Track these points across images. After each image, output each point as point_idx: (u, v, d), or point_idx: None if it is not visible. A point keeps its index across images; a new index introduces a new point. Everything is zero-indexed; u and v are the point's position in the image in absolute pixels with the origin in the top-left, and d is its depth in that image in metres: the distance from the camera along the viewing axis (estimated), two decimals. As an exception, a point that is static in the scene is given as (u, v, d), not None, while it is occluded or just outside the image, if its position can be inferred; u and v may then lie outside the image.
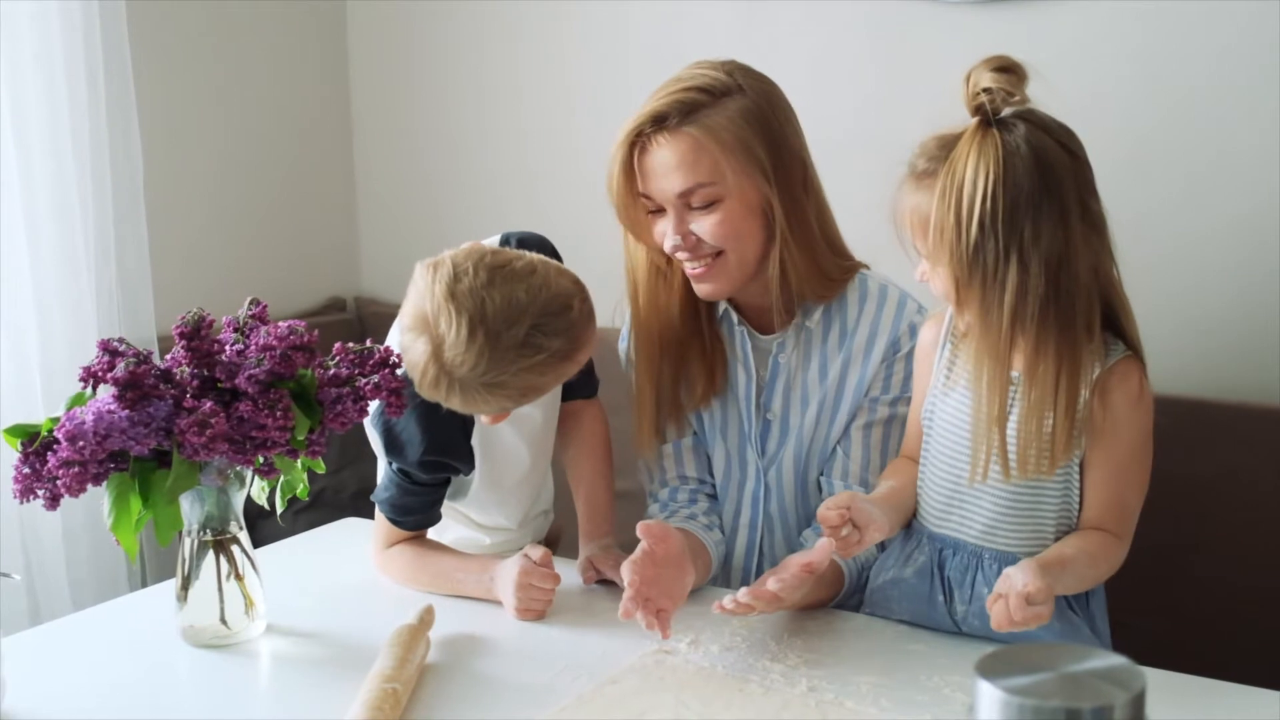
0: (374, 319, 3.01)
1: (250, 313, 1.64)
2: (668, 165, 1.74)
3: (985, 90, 1.50)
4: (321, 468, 1.65)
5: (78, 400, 1.56)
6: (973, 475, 1.60)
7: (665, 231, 1.78)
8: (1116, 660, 0.90)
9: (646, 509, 1.96)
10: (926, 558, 1.69)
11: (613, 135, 1.79)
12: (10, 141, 2.32)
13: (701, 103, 1.73)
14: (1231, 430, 2.12)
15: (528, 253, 1.68)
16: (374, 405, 1.69)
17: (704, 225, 1.76)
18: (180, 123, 2.78)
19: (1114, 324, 1.60)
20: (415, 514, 1.85)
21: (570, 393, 1.93)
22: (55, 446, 1.50)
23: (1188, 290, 2.25)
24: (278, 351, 1.55)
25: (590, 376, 1.94)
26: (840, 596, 1.78)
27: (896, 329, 1.84)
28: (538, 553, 1.75)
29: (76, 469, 1.50)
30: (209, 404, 1.51)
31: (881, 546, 1.78)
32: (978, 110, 1.52)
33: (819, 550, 1.59)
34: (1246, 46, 2.15)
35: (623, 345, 1.97)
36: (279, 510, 1.70)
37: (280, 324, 1.58)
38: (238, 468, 1.63)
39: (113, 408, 1.50)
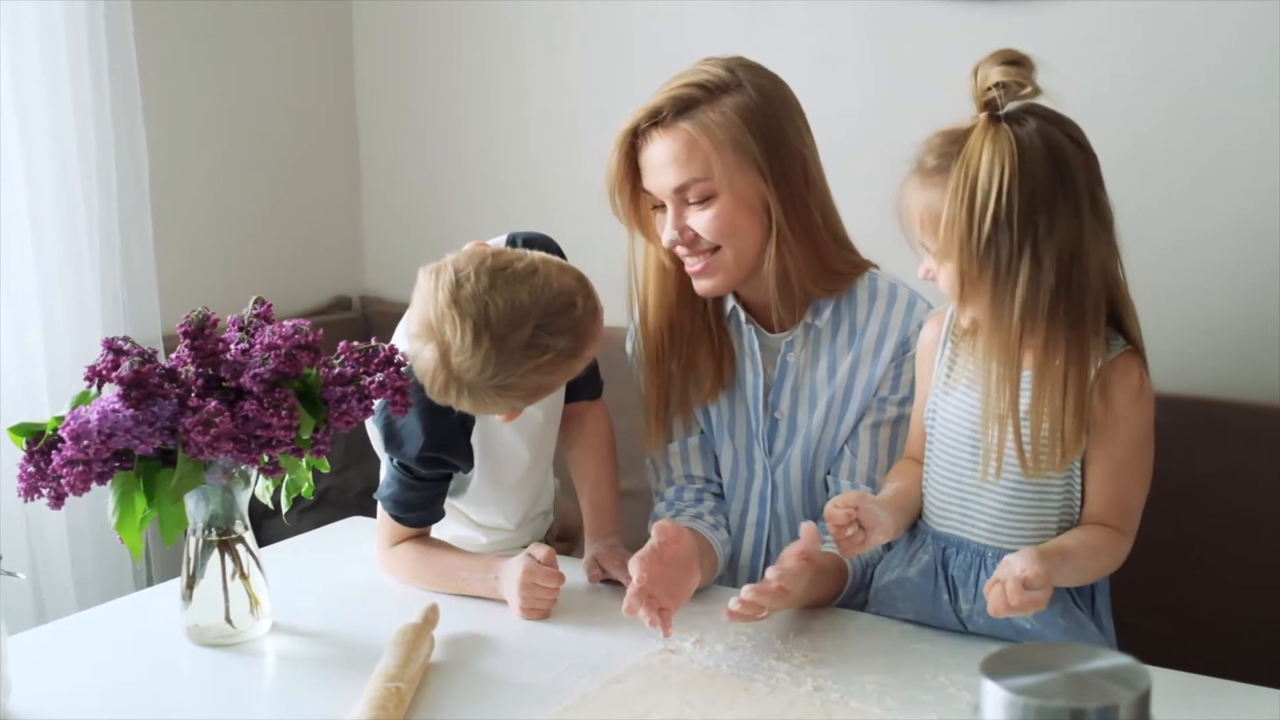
0: (379, 318, 3.01)
1: (255, 312, 1.64)
2: (663, 160, 1.76)
3: (997, 85, 1.50)
4: (326, 467, 1.66)
5: (82, 399, 1.57)
6: (984, 473, 1.60)
7: (665, 227, 1.79)
8: (1122, 660, 0.90)
9: (653, 508, 1.96)
10: (930, 557, 1.69)
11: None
12: (16, 140, 2.33)
13: (697, 98, 1.74)
14: (1233, 429, 2.12)
15: (530, 252, 1.68)
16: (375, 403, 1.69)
17: (700, 220, 1.76)
18: (186, 122, 2.78)
19: (1116, 319, 1.60)
20: (417, 510, 1.85)
21: (574, 394, 1.93)
22: (60, 445, 1.50)
23: (1189, 289, 2.25)
24: (282, 350, 1.55)
25: (594, 378, 1.94)
26: (844, 594, 1.78)
27: (906, 328, 1.84)
28: (542, 552, 1.75)
29: (81, 468, 1.50)
30: (214, 403, 1.51)
31: (887, 546, 1.78)
32: (987, 105, 1.52)
33: (805, 537, 1.60)
34: (1247, 46, 2.15)
35: (629, 344, 1.97)
36: (284, 509, 1.70)
37: (285, 323, 1.58)
38: (242, 467, 1.63)
39: (117, 407, 1.50)
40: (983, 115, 1.53)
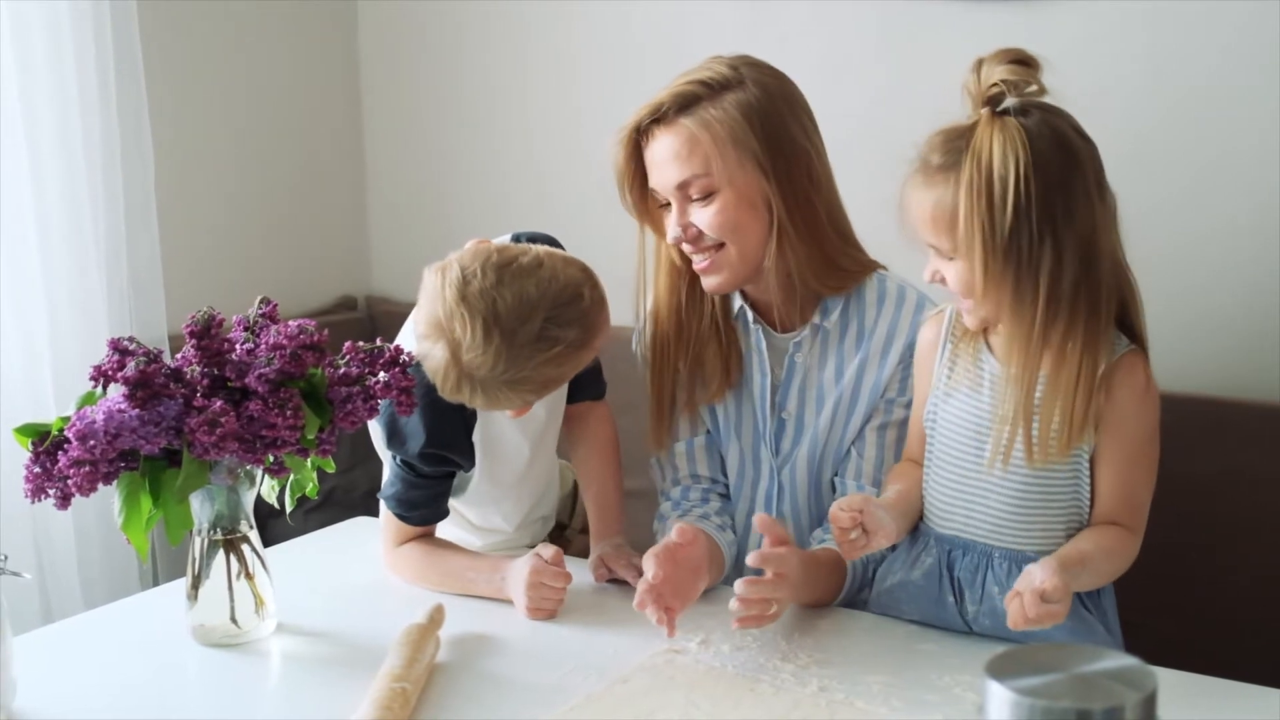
0: (385, 318, 3.01)
1: (261, 312, 1.64)
2: (665, 156, 1.77)
3: (1002, 82, 1.50)
4: (332, 467, 1.66)
5: (88, 399, 1.57)
6: (992, 461, 1.60)
7: (670, 223, 1.80)
8: (1127, 660, 0.90)
9: (658, 507, 1.96)
10: (934, 560, 1.69)
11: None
12: (22, 140, 2.33)
13: (699, 95, 1.75)
14: (1237, 427, 2.11)
15: (533, 246, 1.70)
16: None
17: (703, 217, 1.77)
18: (192, 122, 2.78)
19: (1121, 312, 1.60)
20: (420, 508, 1.85)
21: (578, 394, 1.93)
22: (66, 446, 1.50)
23: (1192, 288, 2.25)
24: (288, 350, 1.55)
25: (597, 378, 1.95)
26: (846, 591, 1.78)
27: (914, 330, 1.83)
28: (549, 551, 1.76)
29: (87, 468, 1.50)
30: (219, 403, 1.51)
31: (889, 548, 1.78)
32: (989, 101, 1.52)
33: (767, 533, 1.62)
34: (1247, 46, 2.15)
35: (635, 342, 1.97)
36: (289, 509, 1.70)
37: (290, 323, 1.58)
38: (248, 467, 1.63)
39: (123, 407, 1.50)
40: (984, 110, 1.52)
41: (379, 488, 1.90)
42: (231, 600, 1.67)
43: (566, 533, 2.11)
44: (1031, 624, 1.45)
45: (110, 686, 1.59)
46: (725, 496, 1.94)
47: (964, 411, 1.65)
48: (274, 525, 2.10)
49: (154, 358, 1.54)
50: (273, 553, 1.84)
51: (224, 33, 2.83)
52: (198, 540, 1.66)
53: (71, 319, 2.41)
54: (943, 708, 1.47)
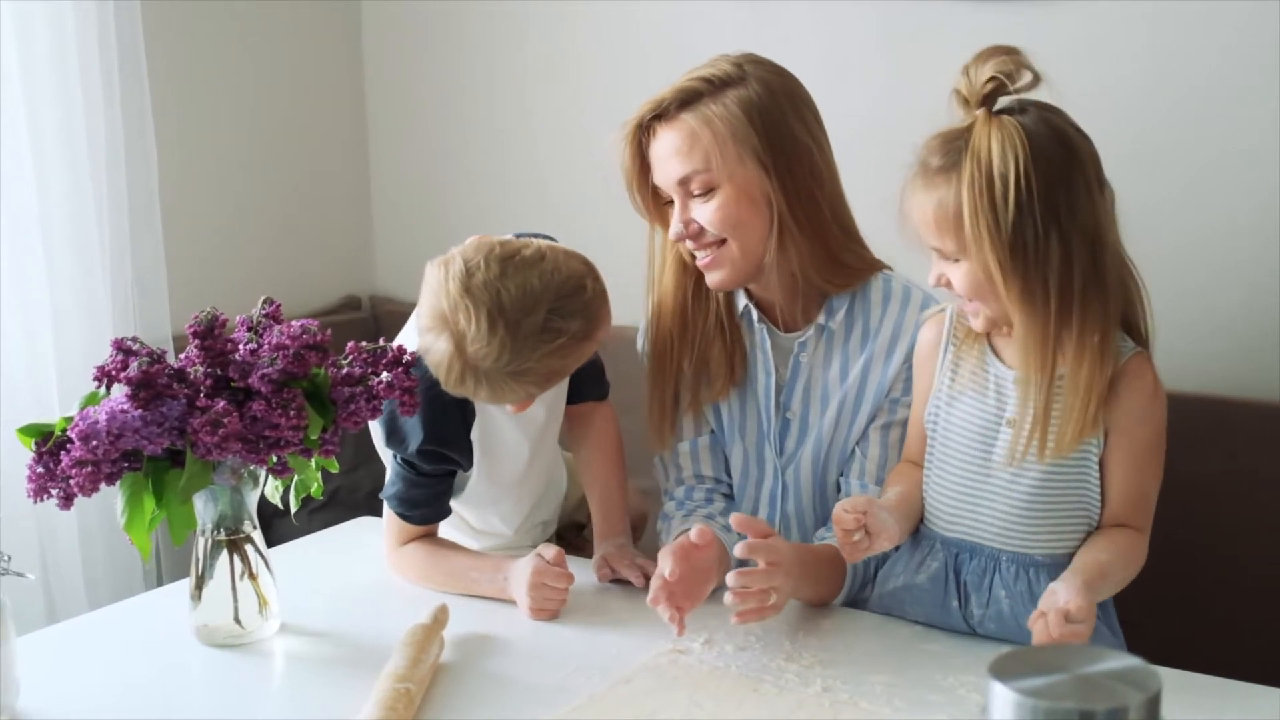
0: (389, 317, 3.01)
1: (264, 312, 1.64)
2: (666, 152, 1.78)
3: (995, 76, 1.51)
4: (335, 467, 1.66)
5: (91, 399, 1.57)
6: (1008, 461, 1.59)
7: (673, 220, 1.80)
8: (1131, 661, 0.90)
9: (662, 507, 1.96)
10: (940, 563, 1.68)
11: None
12: (26, 141, 2.33)
13: (701, 91, 1.76)
14: (1239, 427, 2.12)
15: (534, 239, 1.71)
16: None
17: (704, 213, 1.77)
18: (195, 122, 2.79)
19: (1128, 309, 1.60)
20: (422, 507, 1.85)
21: (580, 395, 1.93)
22: (69, 446, 1.50)
23: (1194, 288, 2.25)
24: (291, 351, 1.55)
25: (600, 378, 1.95)
26: (847, 589, 1.78)
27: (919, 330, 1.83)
28: (551, 552, 1.76)
29: (90, 468, 1.50)
30: (222, 403, 1.52)
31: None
32: (985, 99, 1.52)
33: (746, 528, 1.60)
34: (1247, 46, 2.16)
35: (640, 340, 1.97)
36: (293, 510, 1.71)
37: (293, 323, 1.58)
38: (251, 467, 1.63)
39: (126, 407, 1.50)
40: (980, 110, 1.52)
41: (383, 488, 1.90)
42: (235, 600, 1.67)
43: (585, 532, 2.11)
44: (1055, 644, 1.44)
45: (114, 687, 1.59)
46: (729, 497, 1.94)
47: (970, 415, 1.65)
48: (278, 525, 2.10)
49: (157, 358, 1.54)
50: (276, 553, 1.84)
51: (228, 33, 2.83)
52: (201, 540, 1.67)
53: (75, 319, 2.42)
54: (946, 708, 1.47)
